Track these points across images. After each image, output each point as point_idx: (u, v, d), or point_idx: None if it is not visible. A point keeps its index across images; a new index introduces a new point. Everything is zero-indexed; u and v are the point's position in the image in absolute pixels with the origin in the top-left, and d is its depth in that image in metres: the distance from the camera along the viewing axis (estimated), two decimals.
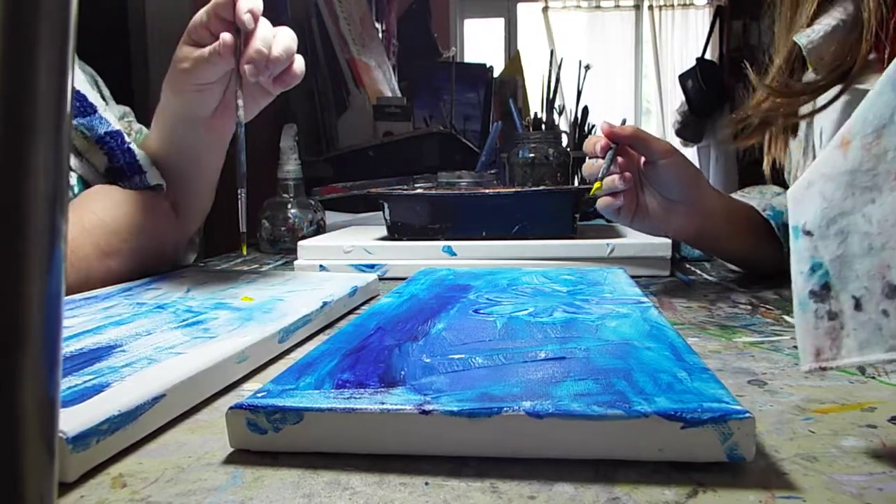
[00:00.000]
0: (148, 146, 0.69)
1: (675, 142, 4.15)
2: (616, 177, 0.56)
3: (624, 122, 0.66)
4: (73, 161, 0.67)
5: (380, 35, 1.93)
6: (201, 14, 0.58)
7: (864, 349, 0.24)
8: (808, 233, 0.26)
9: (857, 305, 0.24)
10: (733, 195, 0.71)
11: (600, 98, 4.16)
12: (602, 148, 0.57)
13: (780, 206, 0.64)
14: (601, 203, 0.58)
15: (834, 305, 0.25)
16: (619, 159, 0.57)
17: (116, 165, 0.67)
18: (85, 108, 0.67)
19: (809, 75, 0.53)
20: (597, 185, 0.56)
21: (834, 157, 0.25)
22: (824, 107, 0.51)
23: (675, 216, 0.58)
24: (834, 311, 0.25)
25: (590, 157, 0.59)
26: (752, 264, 0.68)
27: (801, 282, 0.26)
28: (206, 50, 0.57)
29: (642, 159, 0.58)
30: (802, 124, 0.58)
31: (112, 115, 0.70)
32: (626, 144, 0.57)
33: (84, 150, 0.67)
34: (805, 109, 0.54)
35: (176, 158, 0.68)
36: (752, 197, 0.66)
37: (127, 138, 0.68)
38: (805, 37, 0.50)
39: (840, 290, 0.25)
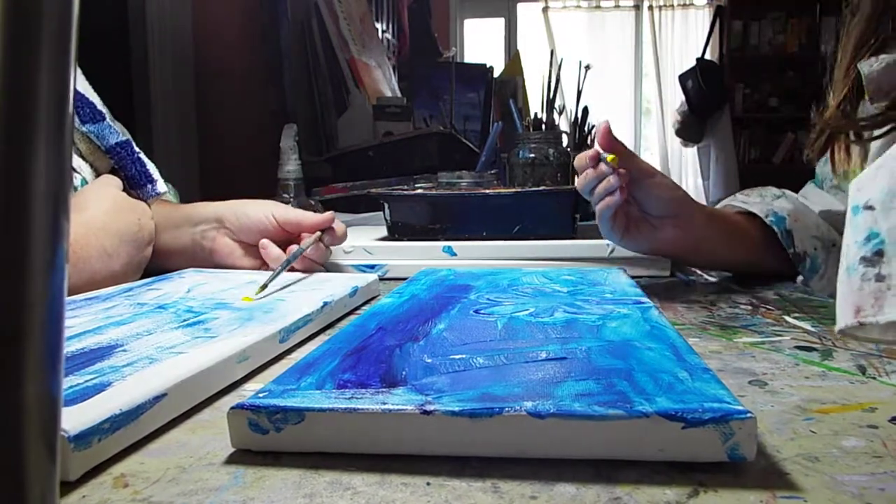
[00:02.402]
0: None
1: (675, 142, 4.16)
2: (612, 176, 0.56)
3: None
4: (79, 162, 0.67)
5: (380, 35, 1.93)
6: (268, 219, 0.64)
7: None
8: (870, 207, 0.27)
9: None
10: (733, 196, 0.71)
11: (600, 98, 4.17)
12: (591, 158, 0.58)
13: (782, 210, 0.64)
14: (602, 205, 0.57)
15: (884, 269, 0.26)
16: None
17: (128, 174, 0.67)
18: (94, 114, 0.67)
19: (867, 105, 0.55)
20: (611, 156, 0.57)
21: None
22: (880, 136, 0.53)
23: (667, 229, 0.60)
24: (883, 273, 0.26)
25: (582, 171, 0.59)
26: (752, 270, 0.67)
27: (853, 250, 0.27)
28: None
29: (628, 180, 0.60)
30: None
31: (119, 125, 0.70)
32: (617, 153, 0.57)
33: (88, 155, 0.67)
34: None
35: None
36: (753, 201, 0.66)
37: (136, 147, 0.68)
38: (867, 66, 0.52)
39: (893, 255, 0.26)
